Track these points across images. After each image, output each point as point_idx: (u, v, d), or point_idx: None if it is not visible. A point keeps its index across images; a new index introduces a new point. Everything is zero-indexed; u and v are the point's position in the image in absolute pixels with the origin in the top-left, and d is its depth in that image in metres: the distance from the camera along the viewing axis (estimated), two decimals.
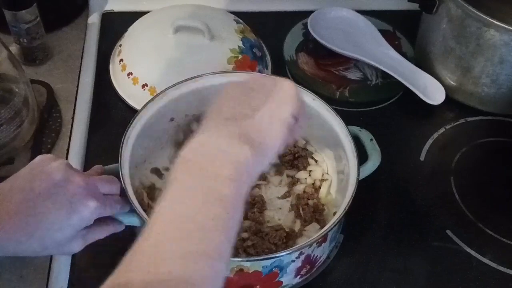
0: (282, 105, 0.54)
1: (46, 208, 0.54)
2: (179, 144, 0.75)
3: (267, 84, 0.56)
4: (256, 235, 0.67)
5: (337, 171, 0.73)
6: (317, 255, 0.65)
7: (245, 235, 0.67)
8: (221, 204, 0.45)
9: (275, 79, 0.57)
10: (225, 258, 0.44)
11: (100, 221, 0.59)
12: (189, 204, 0.45)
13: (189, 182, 0.47)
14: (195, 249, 0.42)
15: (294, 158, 0.76)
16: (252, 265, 0.59)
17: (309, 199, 0.71)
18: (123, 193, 0.61)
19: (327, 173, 0.75)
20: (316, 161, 0.76)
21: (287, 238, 0.67)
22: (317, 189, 0.73)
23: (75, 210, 0.55)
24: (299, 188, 0.74)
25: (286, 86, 0.55)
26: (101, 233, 0.60)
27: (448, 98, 0.87)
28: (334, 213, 0.66)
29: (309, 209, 0.70)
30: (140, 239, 0.43)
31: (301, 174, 0.75)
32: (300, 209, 0.70)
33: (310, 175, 0.75)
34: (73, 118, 0.84)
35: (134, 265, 0.41)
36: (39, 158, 0.58)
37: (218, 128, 0.51)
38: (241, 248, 0.65)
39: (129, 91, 0.85)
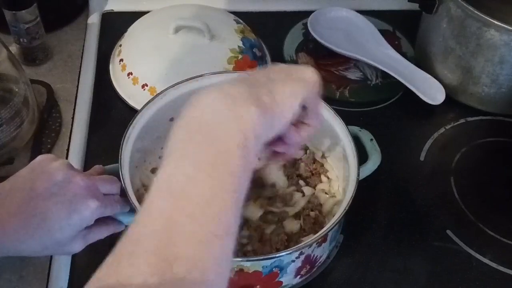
0: (300, 82, 0.50)
1: (46, 208, 0.54)
2: None
3: (287, 68, 0.52)
4: (258, 241, 0.66)
5: (343, 188, 0.70)
6: (317, 255, 0.65)
7: (244, 241, 0.66)
8: (229, 177, 0.41)
9: (299, 66, 0.54)
10: (233, 237, 0.41)
11: (100, 221, 0.59)
12: (194, 178, 0.40)
13: (191, 150, 0.42)
14: (205, 231, 0.39)
15: (312, 175, 0.74)
16: (252, 265, 0.59)
17: (311, 210, 0.70)
18: (123, 193, 0.60)
19: (338, 190, 0.73)
20: (329, 178, 0.74)
21: (287, 240, 0.67)
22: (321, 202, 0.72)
23: (76, 210, 0.55)
24: (304, 199, 0.72)
25: (308, 71, 0.52)
26: (102, 233, 0.60)
27: (448, 98, 0.88)
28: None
29: (310, 220, 0.69)
30: (140, 220, 0.40)
31: (307, 189, 0.73)
32: (301, 218, 0.69)
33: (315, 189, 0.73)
34: (73, 118, 0.84)
35: (140, 250, 0.37)
36: (39, 158, 0.58)
37: (222, 87, 0.45)
38: (241, 252, 0.65)
39: (129, 91, 0.85)
